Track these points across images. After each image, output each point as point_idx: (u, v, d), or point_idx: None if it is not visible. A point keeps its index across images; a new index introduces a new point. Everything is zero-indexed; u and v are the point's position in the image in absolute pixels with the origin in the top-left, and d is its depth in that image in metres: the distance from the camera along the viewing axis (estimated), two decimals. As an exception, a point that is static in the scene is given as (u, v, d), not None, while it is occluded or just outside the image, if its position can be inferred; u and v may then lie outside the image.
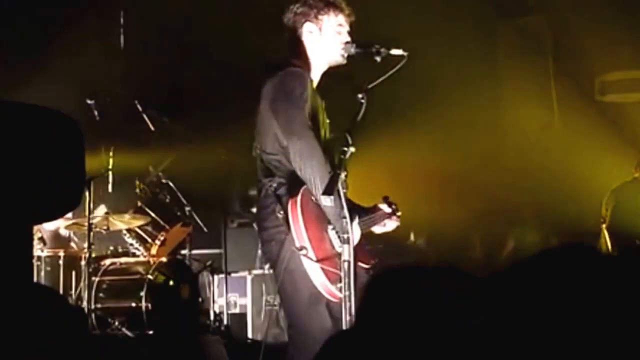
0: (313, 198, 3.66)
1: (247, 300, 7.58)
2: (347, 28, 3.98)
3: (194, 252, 7.13)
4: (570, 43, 8.57)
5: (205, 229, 7.29)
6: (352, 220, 3.62)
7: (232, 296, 7.49)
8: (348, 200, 3.75)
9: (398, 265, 1.55)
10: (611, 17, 8.27)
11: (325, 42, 3.96)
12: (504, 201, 8.58)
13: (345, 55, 3.95)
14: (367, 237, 3.99)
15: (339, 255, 3.59)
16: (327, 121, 4.01)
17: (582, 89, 8.83)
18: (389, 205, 4.17)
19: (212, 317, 7.06)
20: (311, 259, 3.59)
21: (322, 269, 3.59)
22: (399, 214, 4.18)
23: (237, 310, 7.58)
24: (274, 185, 3.78)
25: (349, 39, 3.96)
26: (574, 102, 8.80)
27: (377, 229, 4.14)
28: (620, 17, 8.28)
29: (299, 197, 3.65)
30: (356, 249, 3.64)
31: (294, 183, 3.72)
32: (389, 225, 4.16)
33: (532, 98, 9.01)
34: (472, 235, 8.71)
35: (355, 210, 3.84)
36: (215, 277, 7.28)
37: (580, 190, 8.12)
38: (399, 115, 7.96)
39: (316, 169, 3.64)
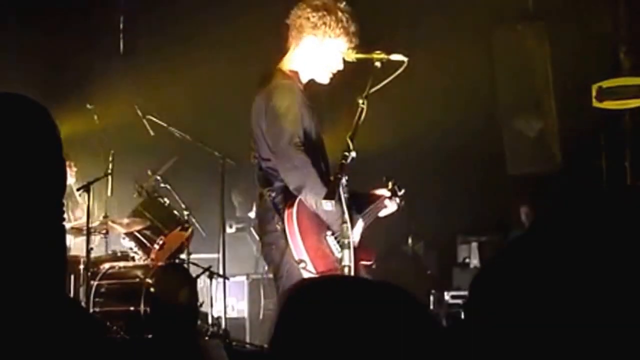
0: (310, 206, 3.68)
1: (245, 305, 7.58)
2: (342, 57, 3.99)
3: (193, 256, 7.12)
4: (567, 49, 8.58)
5: (203, 233, 7.30)
6: (353, 221, 3.63)
7: (231, 300, 7.49)
8: (349, 198, 3.78)
9: (316, 278, 1.55)
10: (608, 23, 8.29)
11: (319, 60, 3.98)
12: (502, 207, 8.59)
13: (332, 75, 3.99)
14: (366, 239, 4.01)
15: (340, 261, 3.61)
16: (318, 123, 4.03)
17: (579, 95, 8.84)
18: (390, 187, 4.19)
19: (210, 321, 7.05)
20: (310, 272, 3.60)
21: None
22: (400, 193, 4.20)
23: (235, 315, 7.58)
24: (272, 194, 3.80)
25: (340, 67, 3.99)
26: (571, 108, 8.82)
27: (381, 213, 4.16)
28: (617, 23, 8.30)
29: (294, 209, 3.67)
30: (357, 246, 3.66)
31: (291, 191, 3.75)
32: (391, 207, 4.17)
33: (530, 103, 9.01)
34: (470, 241, 8.72)
35: (357, 205, 3.85)
36: (214, 281, 7.26)
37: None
38: (397, 120, 7.98)
39: (306, 183, 3.67)
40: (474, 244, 8.66)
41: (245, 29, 7.79)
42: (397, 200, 4.20)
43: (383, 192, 4.17)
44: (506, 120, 9.15)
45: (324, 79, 4.03)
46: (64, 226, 2.05)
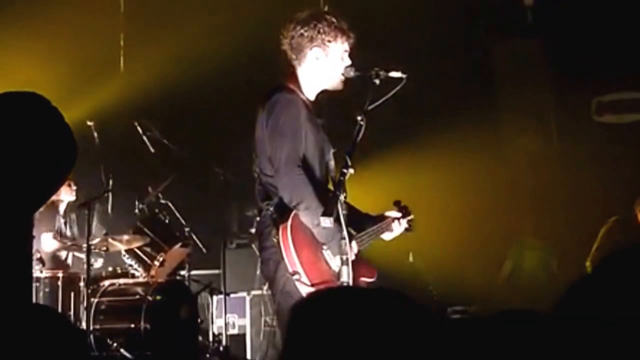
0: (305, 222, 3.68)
1: (246, 321, 7.55)
2: (348, 52, 4.01)
3: (193, 272, 7.11)
4: (567, 64, 8.60)
5: (204, 250, 7.28)
6: (350, 239, 3.62)
7: (231, 317, 7.46)
8: (354, 210, 3.76)
9: (325, 289, 1.56)
10: (608, 38, 8.31)
11: (329, 68, 3.96)
12: (502, 223, 8.57)
13: (344, 78, 3.98)
14: (370, 255, 4.00)
15: (336, 274, 3.60)
16: (326, 138, 4.03)
17: (579, 110, 8.85)
18: (400, 209, 4.17)
19: (211, 338, 7.03)
20: (305, 284, 3.59)
21: None
22: (410, 217, 4.18)
23: (236, 331, 7.54)
24: (271, 208, 3.80)
25: (350, 62, 3.99)
26: (572, 123, 8.82)
27: (386, 236, 4.13)
28: (617, 38, 8.32)
29: (288, 223, 3.65)
30: (358, 263, 3.64)
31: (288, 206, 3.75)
32: (397, 229, 4.15)
33: (530, 119, 9.03)
34: (470, 257, 8.68)
35: (359, 225, 3.84)
36: (214, 297, 7.25)
37: (578, 211, 8.12)
38: (396, 139, 7.97)
39: (301, 200, 3.66)
40: (474, 260, 8.62)
41: (247, 48, 7.81)
42: (406, 223, 4.18)
43: (392, 214, 4.15)
44: (507, 135, 9.16)
45: (338, 84, 4.01)
46: (32, 234, 2.06)
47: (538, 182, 8.86)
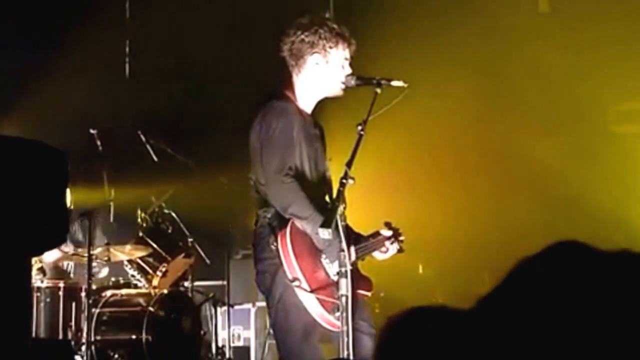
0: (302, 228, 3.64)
1: (251, 333, 7.52)
2: (349, 60, 3.95)
3: (196, 283, 7.09)
4: (583, 71, 8.50)
5: (207, 260, 7.24)
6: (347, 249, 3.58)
7: (235, 329, 7.42)
8: (347, 228, 3.71)
9: (420, 307, 1.43)
10: (626, 45, 8.22)
11: (329, 74, 3.93)
12: (515, 233, 8.46)
13: (345, 87, 3.92)
14: (375, 267, 3.94)
15: (335, 283, 3.56)
16: (323, 148, 3.99)
17: (596, 119, 8.75)
18: (390, 230, 4.09)
19: (214, 351, 6.97)
20: (305, 290, 3.58)
21: (318, 299, 3.58)
22: (401, 238, 4.11)
23: (240, 343, 7.51)
24: (268, 216, 3.79)
25: (350, 71, 3.93)
26: (588, 132, 8.72)
27: (378, 255, 4.05)
28: (635, 45, 8.22)
29: (288, 229, 3.66)
30: (354, 276, 3.60)
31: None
32: (390, 250, 4.06)
33: (545, 128, 8.93)
34: (481, 269, 8.59)
35: (352, 238, 3.79)
36: (218, 309, 7.19)
37: (592, 220, 8.01)
38: (404, 147, 7.91)
39: (293, 209, 3.66)
40: (485, 272, 8.54)
41: (248, 57, 7.77)
42: (397, 245, 4.09)
43: (384, 233, 4.07)
44: (522, 143, 9.06)
45: (338, 91, 3.96)
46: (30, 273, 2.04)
47: (553, 192, 8.76)
